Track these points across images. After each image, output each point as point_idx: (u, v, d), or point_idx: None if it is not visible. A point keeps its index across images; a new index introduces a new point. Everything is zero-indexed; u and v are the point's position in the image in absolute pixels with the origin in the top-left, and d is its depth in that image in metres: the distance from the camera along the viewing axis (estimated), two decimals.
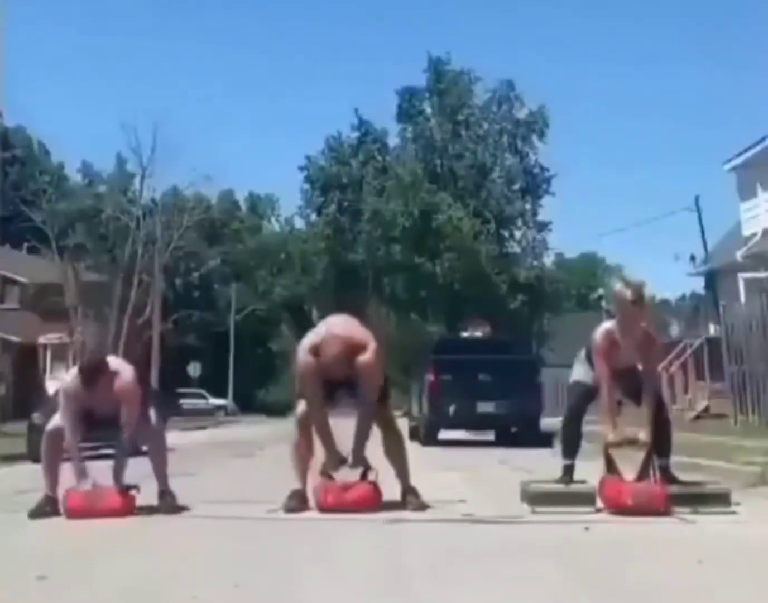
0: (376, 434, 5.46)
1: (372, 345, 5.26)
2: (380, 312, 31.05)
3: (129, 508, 5.12)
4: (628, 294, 5.10)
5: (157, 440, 5.48)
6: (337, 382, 5.32)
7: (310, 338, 5.34)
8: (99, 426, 5.31)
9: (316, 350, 5.24)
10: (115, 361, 5.37)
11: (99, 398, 5.18)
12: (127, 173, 46.52)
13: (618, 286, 5.26)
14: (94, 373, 5.11)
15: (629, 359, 5.26)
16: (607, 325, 5.35)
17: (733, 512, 5.02)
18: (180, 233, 39.68)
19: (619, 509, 4.99)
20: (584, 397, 5.53)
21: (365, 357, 5.19)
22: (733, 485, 5.58)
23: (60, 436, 5.25)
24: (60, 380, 5.44)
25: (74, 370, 5.29)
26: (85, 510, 5.03)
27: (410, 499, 5.32)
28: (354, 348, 5.21)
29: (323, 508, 5.17)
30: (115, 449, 5.36)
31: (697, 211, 28.60)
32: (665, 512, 4.95)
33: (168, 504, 5.28)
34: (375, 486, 5.26)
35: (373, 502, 5.19)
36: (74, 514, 5.05)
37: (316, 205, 39.62)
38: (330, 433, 5.29)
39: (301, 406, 5.45)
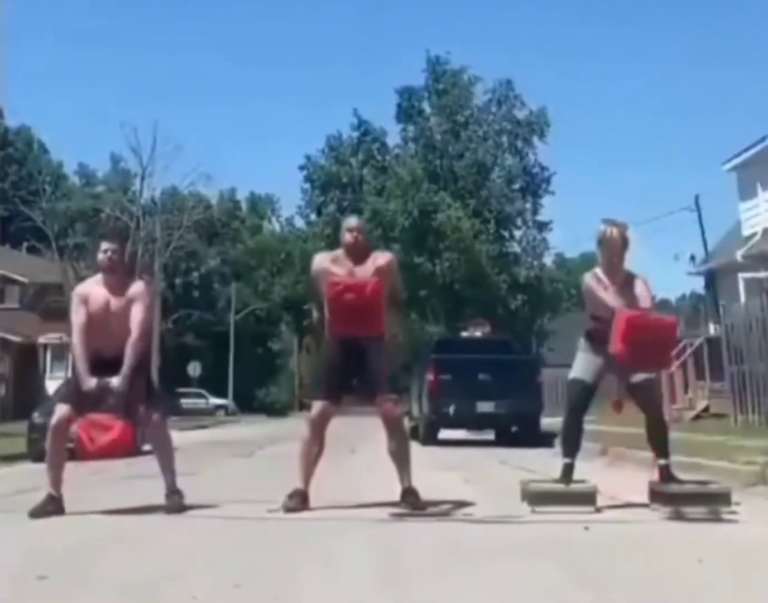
0: (380, 432, 5.46)
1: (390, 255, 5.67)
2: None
3: (129, 437, 5.23)
4: (615, 232, 5.29)
5: (160, 436, 5.46)
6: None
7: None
8: (108, 358, 5.26)
9: (334, 258, 5.48)
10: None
11: (115, 304, 5.28)
12: (127, 173, 46.52)
13: (603, 227, 5.40)
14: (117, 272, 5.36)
15: (617, 300, 5.31)
16: (595, 269, 5.50)
17: (733, 512, 5.02)
18: (180, 233, 39.68)
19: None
20: (584, 395, 5.54)
21: (385, 257, 5.52)
22: (733, 485, 5.58)
23: (65, 429, 5.27)
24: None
25: (97, 276, 5.47)
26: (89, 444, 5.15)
27: (410, 499, 5.32)
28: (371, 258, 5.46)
29: None
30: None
31: (697, 211, 28.63)
32: None
33: (175, 504, 5.27)
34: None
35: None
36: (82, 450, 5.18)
37: (315, 204, 39.65)
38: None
39: (315, 408, 5.44)
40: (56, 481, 5.26)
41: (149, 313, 5.56)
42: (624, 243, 5.36)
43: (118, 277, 5.39)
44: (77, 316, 5.33)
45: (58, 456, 5.31)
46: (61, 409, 5.29)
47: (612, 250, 5.34)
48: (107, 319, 5.29)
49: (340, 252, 5.50)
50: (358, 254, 5.42)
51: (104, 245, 5.39)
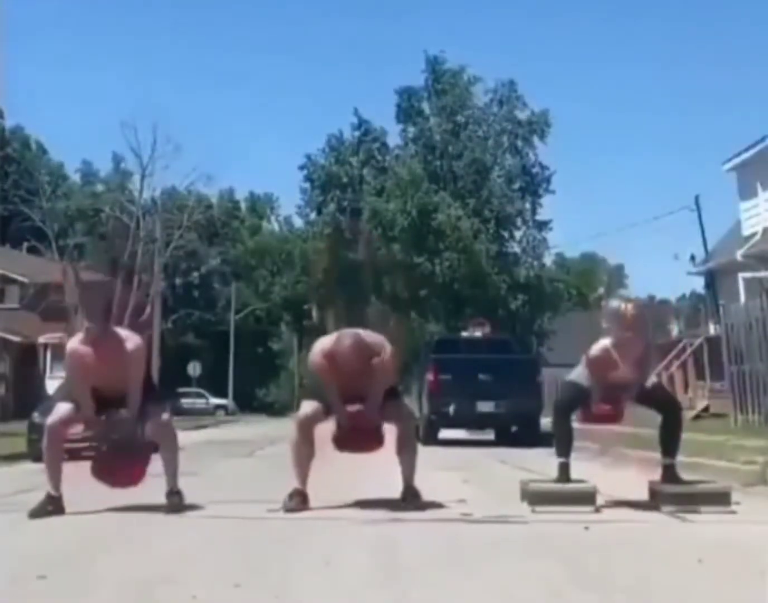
0: (390, 433, 5.46)
1: (388, 348, 5.29)
2: (400, 326, 30.62)
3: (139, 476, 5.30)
4: (630, 308, 5.25)
5: (167, 436, 5.44)
6: (347, 395, 5.29)
7: (323, 342, 5.34)
8: (104, 405, 5.25)
9: (328, 354, 5.23)
10: (122, 331, 5.43)
11: (105, 362, 5.15)
12: (127, 172, 46.55)
13: (616, 303, 5.43)
14: (103, 328, 5.22)
15: (626, 377, 5.34)
16: (606, 342, 5.39)
17: (733, 512, 5.03)
18: (180, 233, 39.68)
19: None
20: (575, 396, 5.53)
21: (381, 358, 5.21)
22: (733, 485, 5.58)
23: (61, 429, 5.25)
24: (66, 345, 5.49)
25: (80, 334, 5.31)
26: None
27: (410, 498, 5.32)
28: (368, 351, 5.20)
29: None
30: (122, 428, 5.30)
31: (697, 211, 28.60)
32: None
33: (175, 504, 5.26)
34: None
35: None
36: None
37: (315, 204, 39.64)
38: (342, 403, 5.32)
39: (304, 408, 5.43)
40: (55, 481, 5.25)
41: (146, 367, 5.50)
42: (637, 319, 5.29)
43: (106, 337, 5.24)
44: (75, 375, 5.26)
45: (56, 456, 5.28)
46: (60, 409, 5.29)
47: (625, 326, 5.27)
48: (100, 370, 5.19)
49: (339, 339, 5.25)
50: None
51: (86, 324, 5.26)
